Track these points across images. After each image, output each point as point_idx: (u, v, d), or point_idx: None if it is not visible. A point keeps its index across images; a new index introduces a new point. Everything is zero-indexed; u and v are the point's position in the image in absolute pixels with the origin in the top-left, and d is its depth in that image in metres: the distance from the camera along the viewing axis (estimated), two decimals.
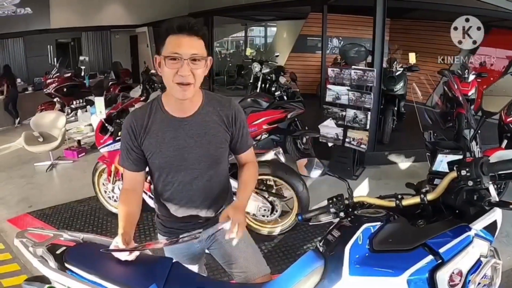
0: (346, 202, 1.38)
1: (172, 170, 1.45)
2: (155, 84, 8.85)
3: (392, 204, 1.31)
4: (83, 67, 8.78)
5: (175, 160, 1.42)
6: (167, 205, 1.53)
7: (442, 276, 1.05)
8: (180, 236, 1.34)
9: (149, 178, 1.58)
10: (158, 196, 1.55)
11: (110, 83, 8.45)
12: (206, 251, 1.71)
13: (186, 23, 1.26)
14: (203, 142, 1.43)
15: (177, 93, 1.32)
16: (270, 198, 3.03)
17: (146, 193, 2.80)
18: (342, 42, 9.30)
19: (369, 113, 4.23)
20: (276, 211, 3.06)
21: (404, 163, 5.00)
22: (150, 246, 1.34)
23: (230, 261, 1.58)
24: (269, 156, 3.03)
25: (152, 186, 1.63)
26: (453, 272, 1.06)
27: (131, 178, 1.48)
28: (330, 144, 4.54)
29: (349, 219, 1.30)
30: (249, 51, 9.32)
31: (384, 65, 5.43)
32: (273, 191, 3.11)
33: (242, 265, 1.55)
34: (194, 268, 1.66)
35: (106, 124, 3.47)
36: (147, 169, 1.52)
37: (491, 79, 6.61)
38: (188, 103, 1.41)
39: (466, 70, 5.55)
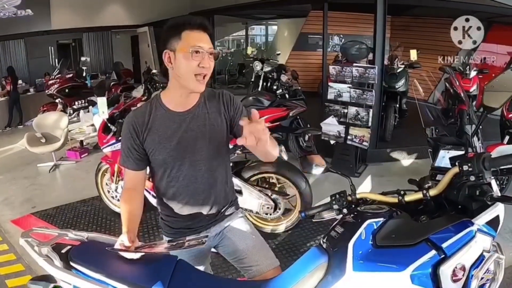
0: (349, 198, 1.39)
1: (177, 164, 1.46)
2: (157, 84, 8.87)
3: (395, 200, 1.31)
4: (84, 68, 8.79)
5: (178, 153, 1.45)
6: (171, 204, 1.54)
7: (445, 270, 1.05)
8: (187, 239, 1.35)
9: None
10: (162, 195, 1.55)
11: (112, 83, 8.44)
12: (213, 250, 1.69)
13: (202, 20, 1.36)
14: (204, 133, 1.47)
15: (196, 86, 1.37)
16: (273, 196, 3.03)
17: (149, 192, 2.81)
18: (343, 40, 9.29)
19: (371, 110, 4.23)
20: (279, 208, 3.06)
21: (406, 160, 4.99)
22: (155, 249, 1.34)
23: (240, 256, 1.57)
24: None
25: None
26: (456, 267, 1.06)
27: (133, 177, 1.49)
28: (332, 142, 4.54)
29: (352, 215, 1.30)
30: (250, 50, 9.32)
31: (386, 62, 5.43)
32: (276, 189, 3.12)
33: (253, 259, 1.54)
34: (200, 268, 1.63)
35: (109, 124, 3.48)
36: (148, 169, 1.53)
37: (493, 75, 6.58)
38: (191, 98, 1.45)
39: (468, 67, 5.55)
